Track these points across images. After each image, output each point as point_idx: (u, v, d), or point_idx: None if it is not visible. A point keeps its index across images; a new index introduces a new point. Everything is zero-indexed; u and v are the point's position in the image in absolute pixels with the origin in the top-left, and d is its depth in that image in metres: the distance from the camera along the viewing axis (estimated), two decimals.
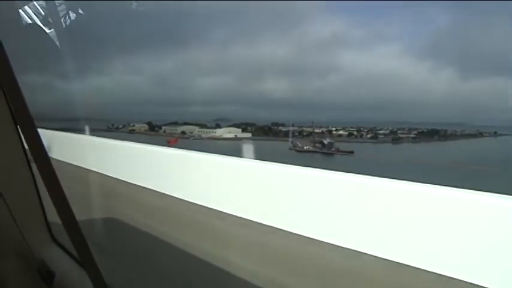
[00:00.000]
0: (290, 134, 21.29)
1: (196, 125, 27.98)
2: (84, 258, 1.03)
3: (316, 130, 27.68)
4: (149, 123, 27.69)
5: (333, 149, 18.20)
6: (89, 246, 1.03)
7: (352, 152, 16.20)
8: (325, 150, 17.81)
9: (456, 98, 27.94)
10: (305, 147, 19.36)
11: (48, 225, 1.40)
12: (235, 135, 23.94)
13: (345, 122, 28.24)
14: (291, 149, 19.57)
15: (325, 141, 19.99)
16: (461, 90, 27.75)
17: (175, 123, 28.05)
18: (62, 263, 1.34)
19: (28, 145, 0.96)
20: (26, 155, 1.26)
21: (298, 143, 20.24)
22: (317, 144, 20.31)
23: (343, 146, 20.73)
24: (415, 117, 27.06)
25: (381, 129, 29.38)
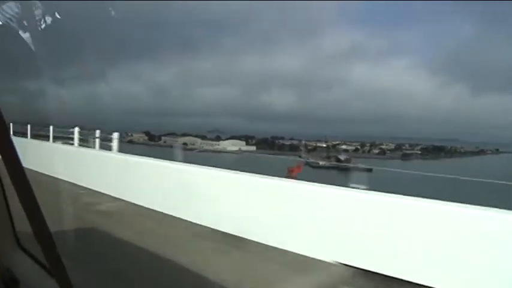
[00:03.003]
0: (303, 149, 20.43)
1: (196, 136, 27.00)
2: (54, 266, 1.02)
3: (320, 144, 27.06)
4: (147, 133, 26.53)
5: (351, 165, 17.31)
6: (59, 254, 0.99)
7: (370, 170, 15.36)
8: (343, 166, 16.90)
9: (453, 115, 27.93)
10: (320, 163, 18.43)
11: (14, 232, 1.30)
12: (240, 148, 22.99)
13: (344, 137, 27.79)
14: (305, 164, 18.61)
15: (342, 157, 19.15)
16: (457, 107, 27.74)
17: (174, 134, 27.01)
18: (29, 271, 1.26)
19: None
20: None
21: (310, 158, 19.34)
22: (332, 160, 19.45)
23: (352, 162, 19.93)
24: (412, 133, 26.87)
25: (381, 144, 29.14)
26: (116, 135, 8.96)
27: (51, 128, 11.47)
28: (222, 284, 3.56)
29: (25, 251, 1.35)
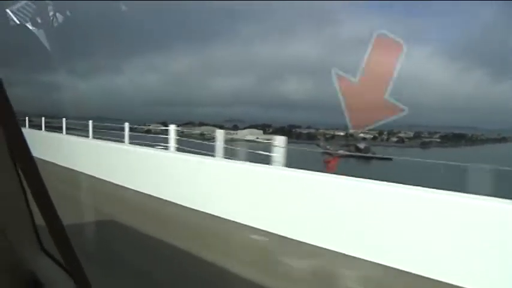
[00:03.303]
0: (322, 138, 20.39)
1: (213, 125, 27.20)
2: (72, 266, 1.05)
3: (338, 133, 26.84)
4: (164, 123, 26.83)
5: (370, 154, 17.24)
6: (75, 253, 1.01)
7: (390, 159, 15.27)
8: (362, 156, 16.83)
9: (472, 102, 27.18)
10: (340, 153, 18.33)
11: (38, 235, 1.30)
12: (257, 137, 23.09)
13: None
14: (323, 153, 18.61)
15: (361, 146, 19.04)
16: (477, 94, 26.95)
17: (192, 124, 27.28)
18: (52, 274, 1.25)
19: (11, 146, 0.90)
20: (12, 157, 1.07)
21: (328, 147, 19.29)
22: (351, 148, 19.37)
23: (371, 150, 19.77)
24: (430, 120, 26.28)
25: (400, 132, 28.69)
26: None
27: (126, 125, 8.40)
28: None
29: (48, 254, 1.37)
